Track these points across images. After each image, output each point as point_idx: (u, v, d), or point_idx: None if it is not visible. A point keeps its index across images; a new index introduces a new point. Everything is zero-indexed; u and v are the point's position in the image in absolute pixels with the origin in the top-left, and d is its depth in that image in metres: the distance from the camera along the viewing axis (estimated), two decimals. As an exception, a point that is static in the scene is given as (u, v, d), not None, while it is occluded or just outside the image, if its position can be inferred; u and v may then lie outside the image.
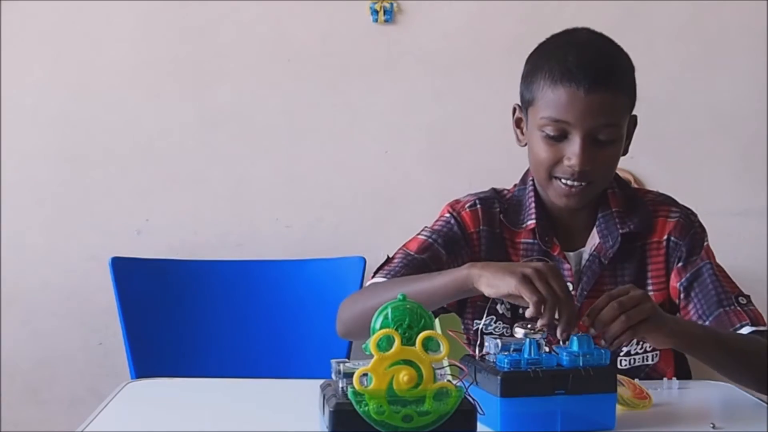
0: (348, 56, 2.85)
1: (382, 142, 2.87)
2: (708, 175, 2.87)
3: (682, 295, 1.84)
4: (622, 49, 1.81)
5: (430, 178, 2.86)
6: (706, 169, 2.88)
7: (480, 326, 1.83)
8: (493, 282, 1.58)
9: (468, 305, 1.88)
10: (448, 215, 1.88)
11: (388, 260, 1.85)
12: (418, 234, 1.88)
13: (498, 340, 1.52)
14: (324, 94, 2.86)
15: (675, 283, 1.85)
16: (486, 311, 1.79)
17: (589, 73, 1.71)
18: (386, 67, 2.85)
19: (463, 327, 1.91)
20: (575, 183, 1.77)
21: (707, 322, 1.80)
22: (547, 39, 1.84)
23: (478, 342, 1.56)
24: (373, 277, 1.83)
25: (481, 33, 2.85)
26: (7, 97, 2.83)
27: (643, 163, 2.71)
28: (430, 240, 1.85)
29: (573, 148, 1.74)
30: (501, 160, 2.80)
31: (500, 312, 1.84)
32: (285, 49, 2.85)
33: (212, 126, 2.87)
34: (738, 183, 2.88)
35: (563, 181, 1.77)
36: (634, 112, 1.82)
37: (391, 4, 2.82)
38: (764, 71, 2.85)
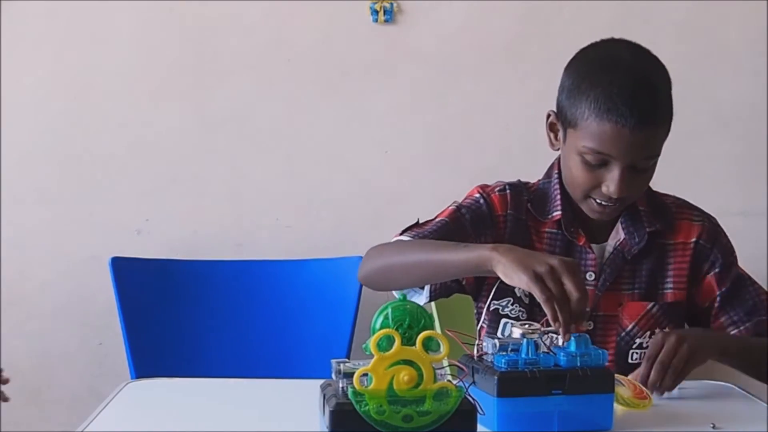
0: (348, 56, 2.85)
1: (382, 142, 2.87)
2: (708, 175, 2.87)
3: (717, 304, 1.89)
4: (661, 67, 1.81)
5: (430, 178, 2.86)
6: (706, 169, 2.88)
7: (489, 306, 1.85)
8: (509, 273, 1.59)
9: (484, 288, 1.90)
10: (477, 195, 1.91)
11: (418, 224, 1.87)
12: (449, 206, 1.91)
13: (496, 341, 1.52)
14: (324, 94, 2.86)
15: (713, 291, 1.89)
16: (494, 291, 1.81)
17: (635, 111, 1.71)
18: (386, 67, 2.85)
19: (476, 311, 1.92)
20: (610, 205, 1.80)
21: (743, 328, 1.87)
22: (588, 53, 1.82)
23: (485, 326, 1.57)
24: (400, 234, 1.85)
25: (481, 33, 2.84)
26: (7, 97, 2.83)
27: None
28: (458, 213, 1.88)
29: (612, 176, 1.76)
30: (501, 160, 2.80)
31: (518, 295, 1.85)
32: (285, 49, 2.85)
33: (212, 126, 2.87)
34: (738, 183, 2.88)
35: (598, 201, 1.80)
36: None
37: (391, 4, 2.82)
38: (764, 71, 2.85)
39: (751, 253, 2.78)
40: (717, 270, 1.89)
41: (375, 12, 2.82)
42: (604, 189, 1.78)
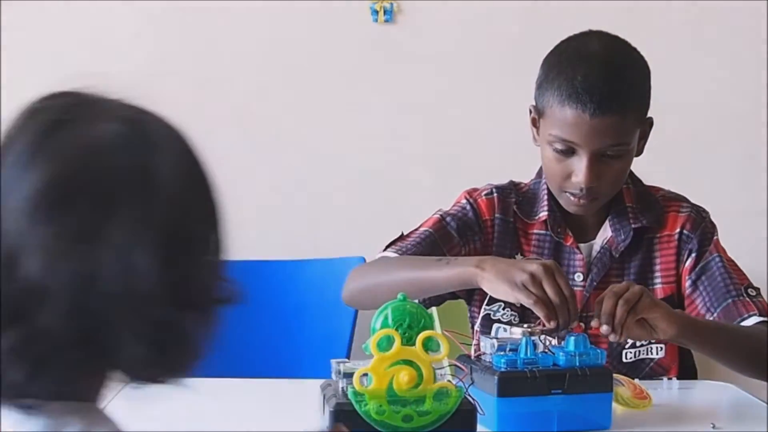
0: (348, 56, 2.85)
1: (382, 141, 2.87)
2: (708, 175, 2.87)
3: (689, 290, 1.86)
4: (634, 57, 1.80)
5: (430, 178, 2.86)
6: (706, 169, 2.88)
7: (483, 313, 1.85)
8: (493, 287, 1.63)
9: (476, 292, 1.90)
10: (464, 201, 1.91)
11: (402, 237, 1.87)
12: (433, 215, 1.91)
13: (494, 340, 1.52)
14: (324, 94, 2.86)
15: (685, 276, 1.86)
16: (488, 299, 1.81)
17: (595, 96, 1.71)
18: (386, 67, 2.85)
19: (469, 315, 1.93)
20: (583, 196, 1.78)
21: (715, 313, 1.82)
22: (561, 44, 1.82)
23: (478, 330, 1.57)
24: (384, 250, 1.86)
25: (481, 33, 2.84)
26: (7, 97, 2.83)
27: (643, 162, 2.70)
28: (443, 222, 1.88)
29: (580, 166, 1.75)
30: (501, 160, 2.80)
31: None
32: (285, 49, 2.85)
33: (212, 126, 2.86)
34: (738, 183, 2.88)
35: (572, 193, 1.79)
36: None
37: (391, 4, 2.82)
38: (764, 71, 2.85)
39: (751, 253, 2.79)
40: (694, 255, 1.86)
41: (375, 12, 2.82)
42: (573, 179, 1.77)
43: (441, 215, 1.89)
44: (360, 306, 1.92)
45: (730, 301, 1.81)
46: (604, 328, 1.56)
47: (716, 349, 1.76)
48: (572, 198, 1.80)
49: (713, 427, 1.55)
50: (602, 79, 1.72)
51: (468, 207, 1.89)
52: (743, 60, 2.86)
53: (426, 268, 1.74)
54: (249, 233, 2.87)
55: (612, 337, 1.58)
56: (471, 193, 1.91)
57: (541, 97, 1.79)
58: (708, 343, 1.74)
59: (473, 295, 1.91)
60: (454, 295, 1.90)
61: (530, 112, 1.86)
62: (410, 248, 1.84)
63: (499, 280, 1.60)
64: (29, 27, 2.82)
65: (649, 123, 1.83)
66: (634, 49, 1.80)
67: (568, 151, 1.76)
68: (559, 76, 1.75)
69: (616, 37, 1.81)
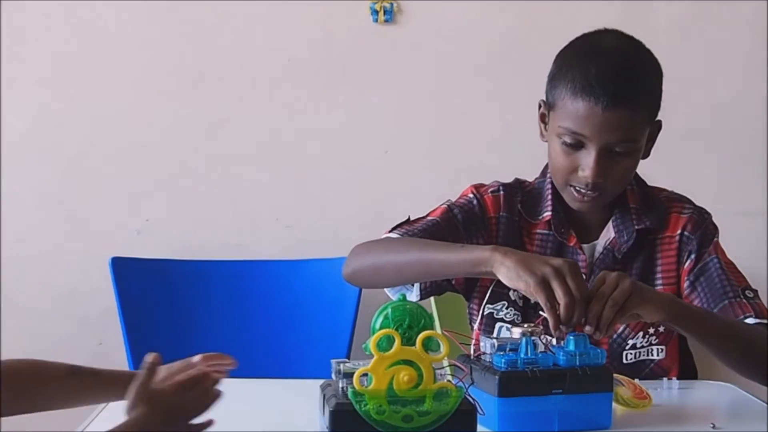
0: (348, 56, 2.85)
1: (382, 142, 2.87)
2: (708, 175, 2.87)
3: (687, 290, 1.86)
4: (649, 58, 1.81)
5: (430, 178, 2.86)
6: (706, 169, 2.88)
7: (484, 311, 1.84)
8: (512, 275, 1.58)
9: (477, 289, 1.89)
10: (471, 195, 1.91)
11: (409, 221, 1.87)
12: (441, 204, 1.90)
13: (494, 340, 1.52)
14: (324, 94, 2.86)
15: (684, 277, 1.87)
16: (489, 294, 1.80)
17: (608, 89, 1.71)
18: (386, 67, 2.85)
19: (468, 312, 1.92)
20: (588, 192, 1.78)
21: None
22: (577, 40, 1.83)
23: (477, 329, 1.56)
24: (390, 231, 1.85)
25: (481, 33, 2.84)
26: (7, 97, 2.83)
27: (643, 162, 2.71)
28: (450, 213, 1.88)
29: (588, 160, 1.75)
30: (501, 160, 2.80)
31: (512, 299, 1.85)
32: (285, 49, 2.85)
33: (212, 126, 2.86)
34: (738, 183, 2.88)
35: (577, 188, 1.79)
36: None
37: (391, 4, 2.81)
38: (764, 71, 2.85)
39: (751, 253, 2.79)
40: (693, 256, 1.86)
41: (375, 12, 2.82)
42: (580, 173, 1.77)
43: (449, 205, 1.89)
44: (361, 284, 1.89)
45: (726, 302, 1.81)
46: (587, 329, 1.55)
47: (707, 336, 1.72)
48: (576, 193, 1.80)
49: (713, 427, 1.55)
50: (617, 74, 1.73)
51: (475, 201, 1.89)
52: (743, 60, 2.86)
53: (437, 250, 1.72)
54: (249, 233, 2.88)
55: (596, 335, 1.57)
56: (478, 188, 1.91)
57: (552, 90, 1.79)
58: (698, 327, 1.71)
59: (473, 291, 1.90)
60: (453, 288, 1.89)
61: (539, 106, 1.86)
62: (417, 233, 1.83)
63: (520, 270, 1.57)
64: (29, 27, 2.82)
65: (658, 126, 1.84)
66: (648, 50, 1.82)
67: (577, 145, 1.76)
68: (572, 69, 1.75)
69: (631, 37, 1.82)
